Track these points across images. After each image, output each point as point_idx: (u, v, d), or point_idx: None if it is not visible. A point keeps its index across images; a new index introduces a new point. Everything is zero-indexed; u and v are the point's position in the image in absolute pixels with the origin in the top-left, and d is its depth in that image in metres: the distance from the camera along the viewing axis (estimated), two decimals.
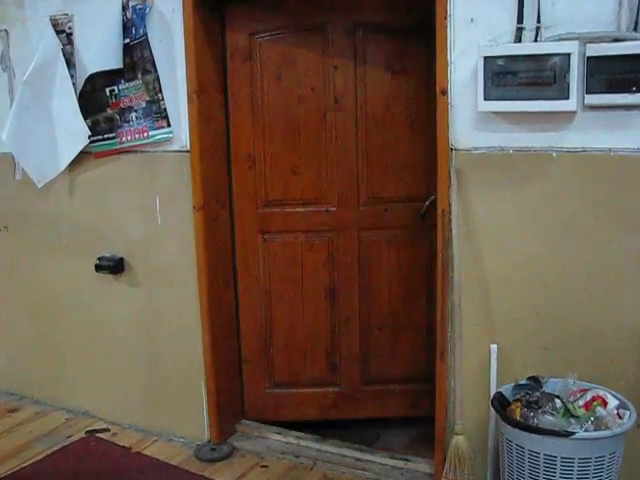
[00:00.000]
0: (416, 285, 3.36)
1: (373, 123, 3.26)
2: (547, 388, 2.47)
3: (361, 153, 3.30)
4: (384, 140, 3.26)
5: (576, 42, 2.31)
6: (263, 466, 3.19)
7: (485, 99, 2.49)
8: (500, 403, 2.45)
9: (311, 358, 3.49)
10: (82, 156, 3.42)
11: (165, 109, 3.17)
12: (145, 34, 3.13)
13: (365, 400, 3.51)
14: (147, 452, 3.34)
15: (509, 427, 2.35)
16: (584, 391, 2.40)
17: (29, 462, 3.25)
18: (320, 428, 3.46)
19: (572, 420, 2.29)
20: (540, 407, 2.35)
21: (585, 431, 2.23)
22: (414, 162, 3.25)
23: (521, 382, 2.52)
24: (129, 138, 3.29)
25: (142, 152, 3.30)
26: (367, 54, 3.22)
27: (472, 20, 2.54)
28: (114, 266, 3.44)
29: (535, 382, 2.50)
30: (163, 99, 3.16)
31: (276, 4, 3.24)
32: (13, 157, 3.63)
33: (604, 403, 2.34)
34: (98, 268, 3.48)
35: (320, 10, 3.21)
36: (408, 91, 3.22)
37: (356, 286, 3.40)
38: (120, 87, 3.26)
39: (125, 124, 3.29)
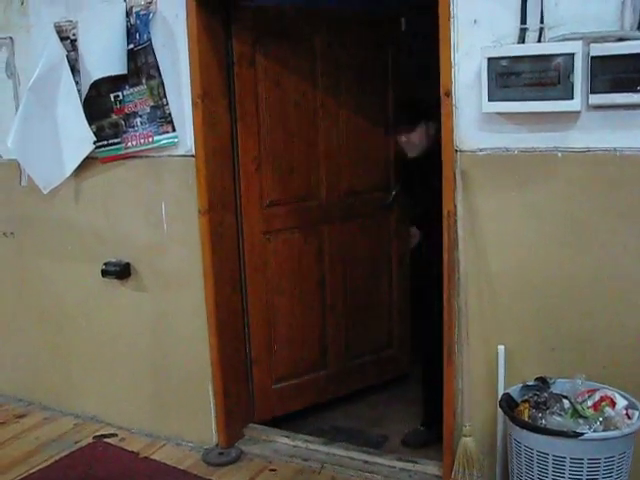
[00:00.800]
0: (381, 266, 3.93)
1: (349, 124, 3.67)
2: (555, 389, 2.46)
3: (341, 151, 3.68)
4: (357, 139, 3.71)
5: (580, 42, 2.31)
6: (271, 470, 3.19)
7: (489, 100, 2.49)
8: (508, 404, 2.45)
9: (308, 347, 3.69)
10: (87, 161, 3.43)
11: (170, 114, 3.17)
12: (149, 39, 3.14)
13: (350, 375, 3.87)
14: (155, 457, 3.35)
15: (517, 428, 2.35)
16: (592, 391, 2.40)
17: (37, 468, 3.25)
18: (328, 431, 3.47)
19: (580, 421, 2.28)
20: (548, 408, 2.34)
21: (594, 432, 2.23)
22: (379, 157, 3.79)
23: (529, 383, 2.52)
24: (134, 143, 3.30)
25: (147, 157, 3.31)
26: (346, 63, 3.62)
27: (475, 21, 2.54)
28: (120, 271, 3.45)
29: (543, 383, 2.49)
30: (167, 104, 3.17)
31: (276, 13, 3.38)
32: (18, 164, 3.64)
33: (612, 403, 2.33)
34: (104, 273, 3.49)
35: (309, 22, 3.48)
36: (375, 95, 3.73)
37: (340, 273, 3.76)
38: (125, 92, 3.27)
39: (130, 129, 3.30)
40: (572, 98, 2.34)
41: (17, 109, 3.53)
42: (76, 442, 3.52)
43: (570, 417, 2.31)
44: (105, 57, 3.24)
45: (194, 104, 3.11)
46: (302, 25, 3.47)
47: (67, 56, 3.36)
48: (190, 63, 3.09)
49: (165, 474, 3.20)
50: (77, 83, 3.35)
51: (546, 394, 2.41)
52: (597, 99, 2.33)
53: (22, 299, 3.92)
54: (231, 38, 3.24)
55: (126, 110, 3.29)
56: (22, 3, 3.50)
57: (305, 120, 3.53)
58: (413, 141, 3.28)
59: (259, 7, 3.31)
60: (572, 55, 2.30)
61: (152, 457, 3.35)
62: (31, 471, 3.23)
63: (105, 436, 3.57)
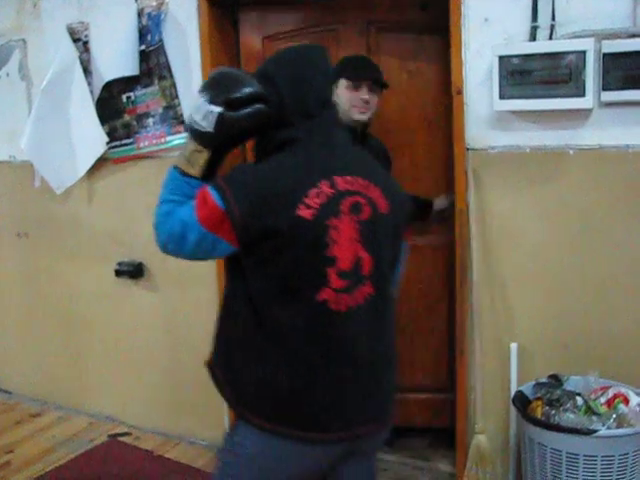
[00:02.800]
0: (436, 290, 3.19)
1: (388, 125, 3.10)
2: (568, 386, 2.46)
3: None
4: (400, 142, 3.11)
5: (591, 39, 2.31)
6: None
7: (500, 98, 2.49)
8: (521, 402, 2.45)
9: None
10: (100, 162, 3.45)
11: (182, 114, 3.18)
12: (161, 40, 3.15)
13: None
14: (169, 455, 3.36)
15: (530, 425, 2.35)
16: (605, 388, 2.39)
17: (53, 466, 3.26)
18: None
19: (594, 418, 2.28)
20: (561, 405, 2.34)
21: (607, 429, 2.23)
22: (431, 163, 3.13)
23: (541, 380, 2.52)
24: (146, 144, 3.32)
25: (160, 157, 3.32)
26: (381, 53, 3.10)
27: (486, 19, 2.55)
28: (134, 271, 3.47)
29: (555, 380, 2.49)
30: (180, 104, 3.19)
31: (289, 7, 3.22)
32: (32, 165, 3.66)
33: (626, 400, 2.33)
34: (118, 273, 3.51)
35: (332, 10, 3.16)
36: (423, 91, 3.10)
37: None
38: (137, 93, 3.29)
39: (142, 130, 3.31)
40: (584, 95, 2.34)
41: (30, 111, 3.56)
42: (91, 441, 3.53)
43: (583, 414, 2.31)
44: (117, 58, 3.26)
45: None
46: (321, 16, 3.17)
47: (79, 58, 3.38)
48: (202, 63, 3.10)
49: (179, 473, 3.21)
50: (89, 84, 3.36)
51: (559, 391, 2.41)
52: (609, 96, 2.34)
53: (36, 299, 3.95)
54: (241, 36, 3.23)
55: (138, 111, 3.31)
56: (35, 5, 3.52)
57: None
58: None
59: (267, 3, 3.20)
60: (584, 52, 2.31)
61: (166, 456, 3.36)
62: (47, 469, 3.24)
63: (119, 435, 3.59)
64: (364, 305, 1.62)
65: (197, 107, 1.62)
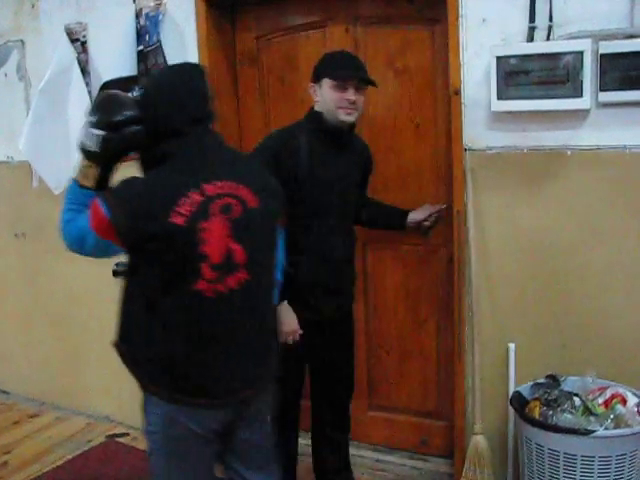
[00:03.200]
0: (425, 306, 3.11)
1: (373, 127, 2.97)
2: (566, 386, 2.46)
3: None
4: (386, 145, 3.00)
5: (589, 40, 2.31)
6: None
7: (498, 99, 2.49)
8: (519, 402, 2.45)
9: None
10: None
11: None
12: (159, 41, 3.16)
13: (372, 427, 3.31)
14: None
15: (528, 426, 2.35)
16: (603, 389, 2.40)
17: (51, 467, 3.26)
18: None
19: (592, 418, 2.28)
20: (559, 405, 2.34)
21: (605, 429, 2.23)
22: (419, 168, 2.99)
23: (539, 381, 2.52)
24: None
25: None
26: (367, 50, 2.98)
27: (484, 20, 2.55)
28: None
29: (553, 380, 2.49)
30: None
31: (280, 6, 3.17)
32: (30, 165, 3.66)
33: (624, 401, 2.33)
34: (115, 274, 3.49)
35: (320, 8, 3.08)
36: (412, 90, 2.96)
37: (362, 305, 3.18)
38: (134, 94, 3.27)
39: None
40: (581, 96, 2.34)
41: (28, 111, 3.56)
42: (88, 441, 3.53)
43: (581, 415, 2.31)
44: (115, 59, 3.26)
45: None
46: (310, 13, 3.10)
47: (77, 58, 3.38)
48: (199, 63, 3.10)
49: None
50: (87, 85, 3.37)
51: (557, 392, 2.41)
52: (606, 97, 2.34)
53: (33, 300, 3.95)
54: (236, 36, 3.23)
55: None
56: (33, 6, 3.53)
57: None
58: None
59: (260, 3, 3.17)
60: (581, 53, 2.31)
61: None
62: (44, 470, 3.24)
63: (117, 435, 3.59)
64: (238, 289, 1.89)
65: (83, 130, 1.91)
